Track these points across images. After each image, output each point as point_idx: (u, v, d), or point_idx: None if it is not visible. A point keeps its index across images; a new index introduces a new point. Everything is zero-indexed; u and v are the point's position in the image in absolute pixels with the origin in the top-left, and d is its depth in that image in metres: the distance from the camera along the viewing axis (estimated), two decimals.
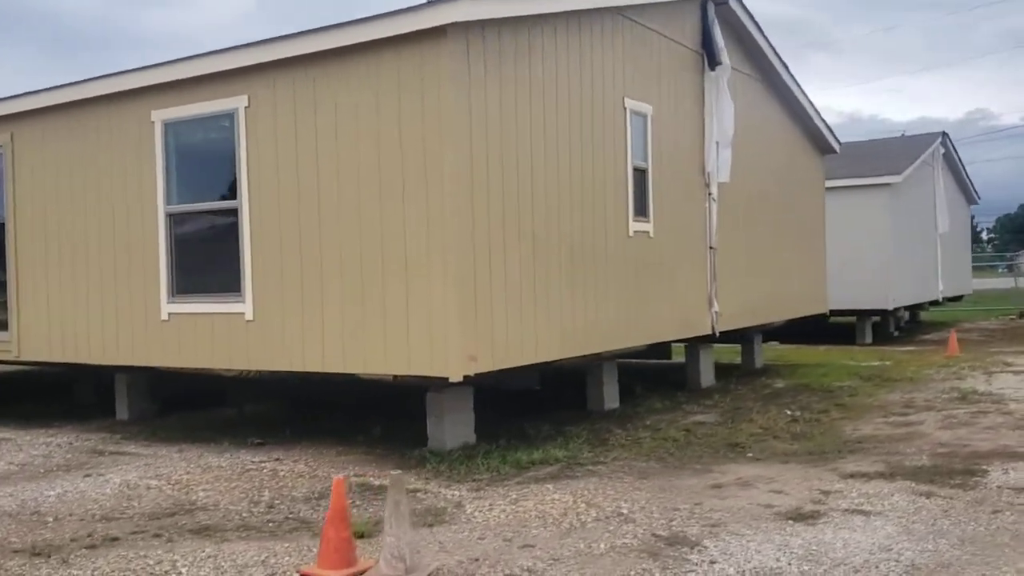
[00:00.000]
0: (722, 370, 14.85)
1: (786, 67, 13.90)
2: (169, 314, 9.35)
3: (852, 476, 7.40)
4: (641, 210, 10.35)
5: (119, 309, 9.75)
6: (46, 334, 10.52)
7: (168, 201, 9.33)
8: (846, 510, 6.38)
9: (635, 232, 10.17)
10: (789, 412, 10.75)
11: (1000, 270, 66.09)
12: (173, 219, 9.34)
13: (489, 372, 7.99)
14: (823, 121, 15.68)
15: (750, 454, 8.50)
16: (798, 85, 14.43)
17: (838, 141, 16.49)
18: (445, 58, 7.48)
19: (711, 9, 11.79)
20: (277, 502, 7.07)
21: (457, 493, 7.16)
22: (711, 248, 11.96)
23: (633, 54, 10.22)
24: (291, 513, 6.75)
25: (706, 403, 11.59)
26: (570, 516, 6.43)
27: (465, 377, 7.70)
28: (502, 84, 8.09)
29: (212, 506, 6.98)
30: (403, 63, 7.72)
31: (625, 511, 6.53)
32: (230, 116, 8.78)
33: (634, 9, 10.14)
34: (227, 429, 10.13)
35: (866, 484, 7.11)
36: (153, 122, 9.38)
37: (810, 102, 14.96)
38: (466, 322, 7.58)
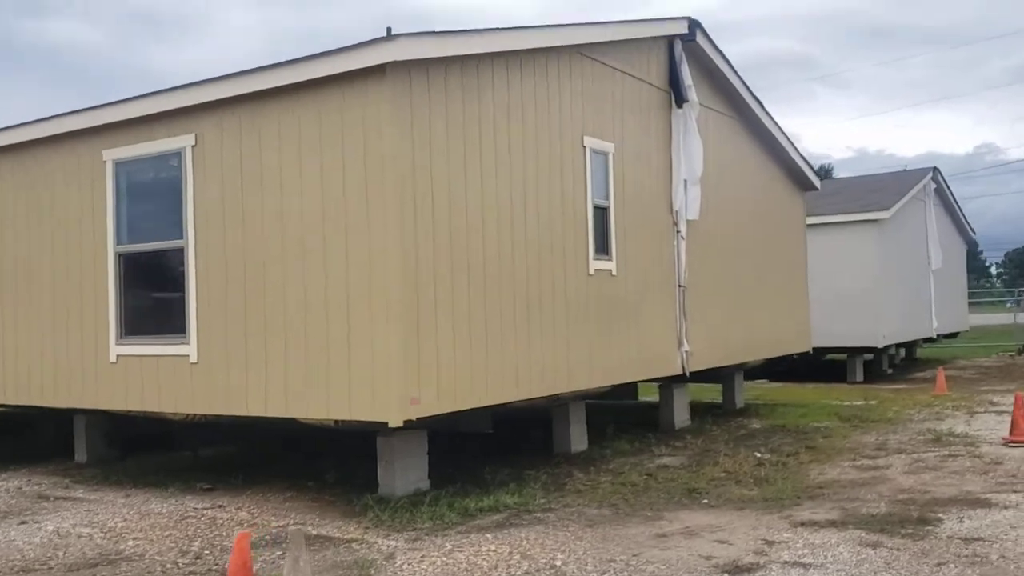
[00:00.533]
0: (700, 409, 14.62)
1: (760, 104, 13.81)
2: (118, 356, 9.20)
3: (803, 524, 7.16)
4: (603, 248, 10.19)
5: (70, 350, 9.61)
6: (1, 374, 10.37)
7: (118, 241, 9.22)
8: (786, 562, 6.14)
9: (596, 271, 10.01)
10: (758, 455, 10.50)
11: (1008, 305, 65.64)
12: (123, 259, 9.22)
13: (435, 416, 7.79)
14: (802, 158, 15.56)
15: (706, 500, 8.26)
16: (774, 122, 14.32)
17: (819, 177, 16.36)
18: (385, 97, 7.38)
19: (678, 47, 11.72)
20: (206, 552, 6.86)
21: (393, 544, 6.94)
22: (680, 287, 11.78)
23: (593, 92, 10.13)
24: (216, 564, 6.54)
25: (676, 445, 11.35)
26: (500, 569, 6.21)
27: (407, 422, 7.51)
28: (449, 122, 7.98)
29: (138, 556, 6.78)
30: (346, 102, 7.62)
31: (559, 563, 6.30)
32: (178, 155, 8.69)
33: (593, 47, 10.06)
34: (181, 473, 9.94)
35: (815, 533, 6.87)
36: (104, 161, 9.30)
37: (788, 139, 14.85)
38: (407, 364, 7.40)
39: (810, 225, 18.95)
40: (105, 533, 7.47)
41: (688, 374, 11.94)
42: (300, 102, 7.89)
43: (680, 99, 11.69)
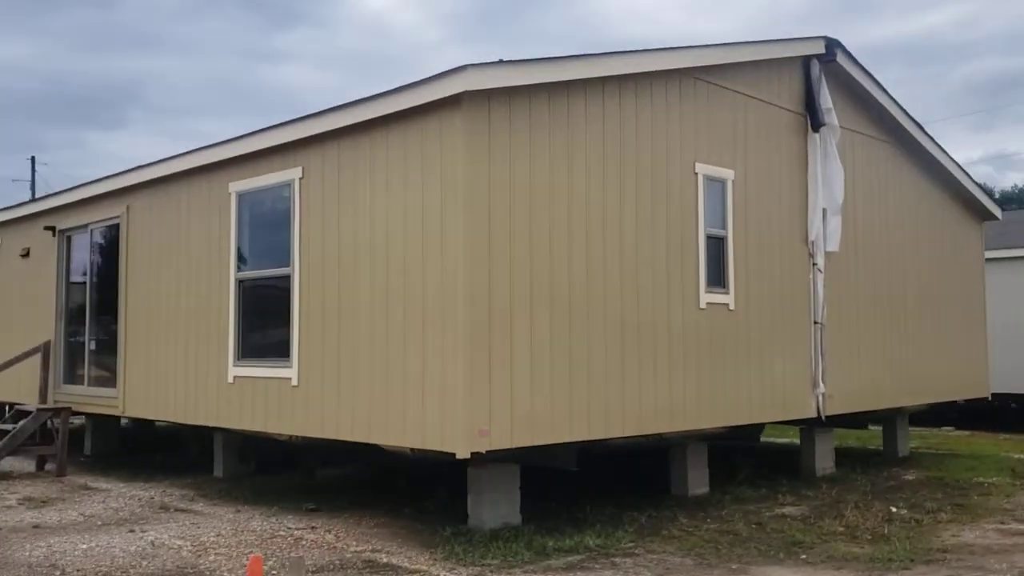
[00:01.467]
0: (854, 456, 13.56)
1: (920, 127, 12.74)
2: (234, 377, 9.67)
3: None
4: (717, 280, 9.68)
5: (198, 371, 10.20)
6: (143, 393, 11.18)
7: (238, 268, 9.72)
8: None
9: (709, 304, 9.52)
10: (894, 509, 9.57)
11: None
12: (242, 285, 9.71)
13: (509, 449, 7.63)
14: (976, 184, 14.22)
15: (804, 556, 7.59)
16: (938, 146, 13.18)
17: (999, 206, 14.86)
18: (458, 128, 7.37)
19: (815, 68, 11.03)
20: (273, 572, 7.01)
21: None
22: (816, 323, 10.99)
23: (710, 117, 9.69)
24: None
25: (806, 494, 10.54)
26: None
27: (489, 452, 7.40)
28: (533, 150, 7.87)
29: (210, 571, 7.03)
30: (425, 133, 7.69)
31: None
32: (288, 186, 9.07)
33: (710, 71, 9.65)
34: (297, 493, 10.28)
35: None
36: (230, 193, 9.86)
37: (957, 165, 13.62)
38: (475, 395, 7.29)
39: (1000, 259, 17.31)
40: (195, 546, 7.81)
41: (824, 418, 11.09)
42: (389, 134, 8.03)
43: (816, 123, 10.97)
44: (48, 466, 12.50)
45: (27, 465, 12.73)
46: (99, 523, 8.88)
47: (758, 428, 12.13)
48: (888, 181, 12.53)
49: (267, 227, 9.43)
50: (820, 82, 11.14)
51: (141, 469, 12.23)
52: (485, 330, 7.41)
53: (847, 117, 11.69)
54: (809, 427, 11.91)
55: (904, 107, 12.40)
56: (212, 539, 8.08)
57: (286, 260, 9.07)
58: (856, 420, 12.37)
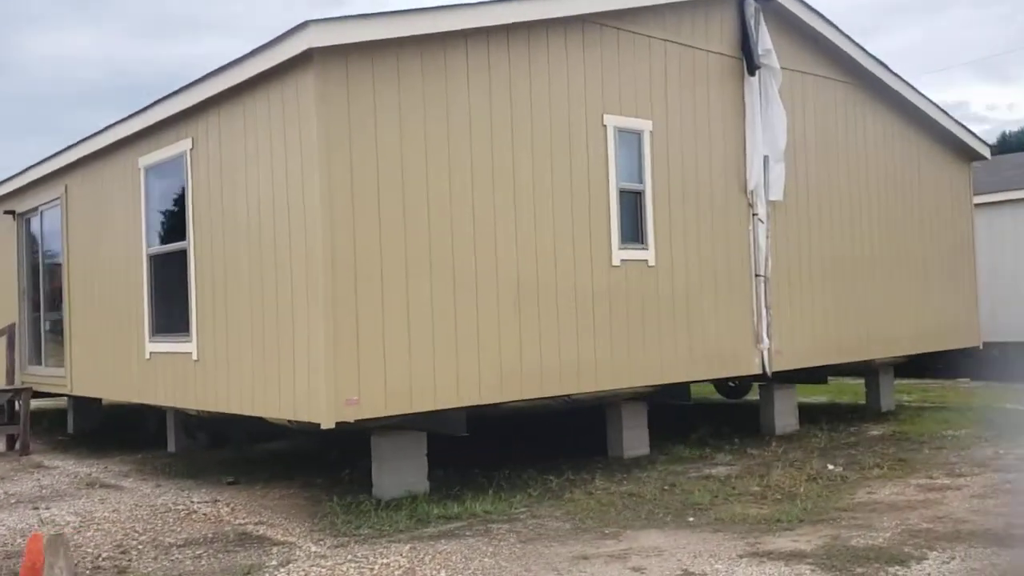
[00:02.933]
0: (833, 413, 13.07)
1: (884, 66, 12.04)
2: (150, 353, 9.65)
3: (756, 555, 6.09)
4: (634, 236, 9.30)
5: (124, 348, 10.22)
6: (86, 372, 11.27)
7: (149, 244, 9.66)
8: None
9: (624, 261, 9.15)
10: (831, 467, 9.16)
11: None
12: (153, 261, 9.66)
13: (383, 418, 7.44)
14: (959, 124, 13.43)
15: (692, 519, 7.27)
16: (909, 86, 12.45)
17: (987, 145, 14.04)
18: (310, 85, 7.12)
19: (749, 7, 10.45)
20: (138, 548, 6.96)
21: (315, 549, 6.69)
22: (758, 276, 10.52)
23: (620, 66, 9.25)
24: (124, 562, 6.61)
25: (752, 452, 10.16)
26: None
27: (356, 421, 7.23)
28: (403, 109, 7.57)
29: (75, 546, 7.01)
30: (284, 97, 7.46)
31: None
32: (181, 158, 8.94)
33: (619, 16, 9.19)
34: (229, 467, 10.26)
35: (754, 566, 5.80)
36: (139, 168, 9.79)
37: (934, 104, 12.86)
38: (340, 363, 7.10)
39: (1001, 202, 16.47)
40: (82, 522, 7.81)
41: (771, 374, 10.65)
42: (255, 100, 7.83)
43: (752, 66, 10.43)
44: (18, 445, 12.75)
45: None
46: (14, 501, 8.96)
47: (685, 387, 11.67)
48: (848, 124, 11.90)
49: (169, 201, 9.33)
50: (757, 23, 10.58)
51: (107, 446, 12.36)
52: (351, 297, 7.19)
53: (795, 58, 11.11)
54: (768, 384, 11.49)
55: (862, 45, 11.72)
56: (105, 515, 8.08)
57: (183, 234, 8.97)
58: (813, 375, 11.88)
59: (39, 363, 12.95)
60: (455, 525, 7.26)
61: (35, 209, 12.65)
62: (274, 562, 6.39)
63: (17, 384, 13.01)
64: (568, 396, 8.77)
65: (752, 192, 10.49)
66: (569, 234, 8.71)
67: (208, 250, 8.56)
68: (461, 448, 9.79)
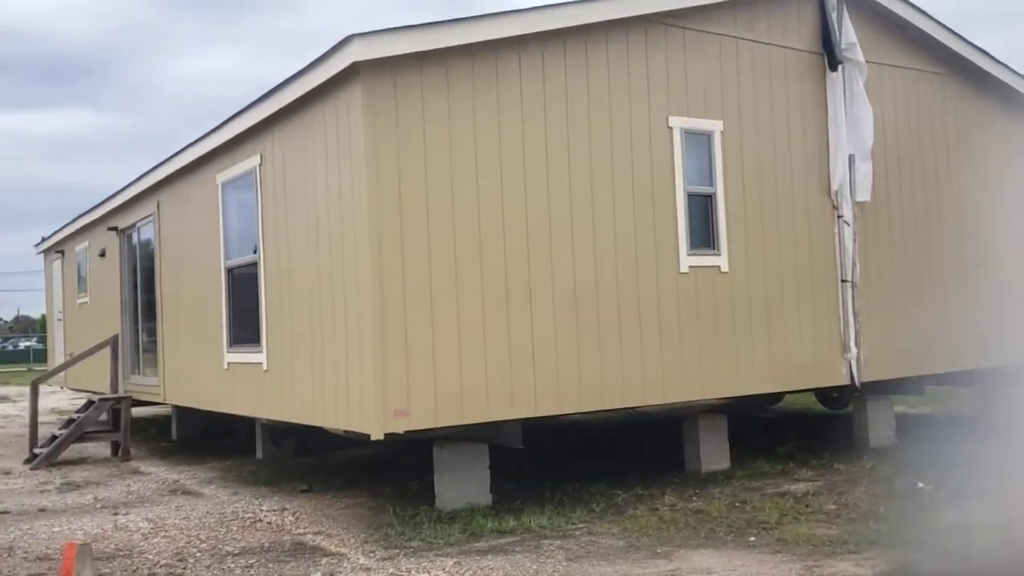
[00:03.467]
0: (933, 424, 12.30)
1: (984, 53, 11.27)
2: (228, 363, 9.91)
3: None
4: (705, 242, 8.97)
5: (204, 358, 10.53)
6: (176, 382, 11.68)
7: (226, 257, 9.93)
8: None
9: (693, 267, 8.83)
10: (921, 484, 8.58)
11: None
12: (231, 274, 9.92)
13: (438, 428, 7.40)
14: None
15: (753, 538, 6.93)
16: (1017, 73, 11.61)
17: None
18: (358, 101, 7.15)
19: (830, 2, 9.95)
20: (196, 556, 7.12)
21: (363, 561, 6.70)
22: (844, 281, 9.98)
23: (687, 66, 8.95)
24: (180, 570, 6.76)
25: (838, 467, 9.64)
26: None
27: (407, 432, 7.21)
28: (452, 118, 7.52)
29: (138, 552, 7.23)
30: (337, 110, 7.52)
31: None
32: (252, 173, 9.15)
33: (685, 15, 8.90)
34: (310, 474, 10.42)
35: None
36: (217, 184, 10.08)
37: None
38: (389, 376, 7.08)
39: None
40: (152, 528, 8.07)
41: (859, 384, 10.09)
42: (312, 115, 7.93)
43: (834, 62, 9.92)
44: (120, 451, 13.33)
45: (104, 450, 13.62)
46: (99, 506, 9.35)
47: (775, 397, 11.17)
48: (946, 118, 11.18)
49: (244, 216, 9.56)
50: (840, 15, 10.06)
51: (203, 453, 12.78)
52: (400, 308, 7.18)
53: (882, 51, 10.52)
54: (860, 395, 10.91)
55: (957, 32, 10.99)
56: (175, 522, 8.31)
57: (254, 248, 9.17)
58: (908, 386, 11.18)
59: (138, 372, 13.51)
60: (507, 540, 7.14)
61: (133, 225, 13.23)
62: (318, 574, 6.41)
63: (120, 393, 13.63)
64: (632, 409, 8.52)
65: (836, 193, 9.98)
66: (632, 241, 8.47)
67: (275, 264, 8.72)
68: (533, 461, 9.67)
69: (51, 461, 12.58)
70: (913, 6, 10.61)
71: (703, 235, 8.97)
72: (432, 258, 7.35)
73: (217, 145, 9.79)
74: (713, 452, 9.76)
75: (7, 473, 11.96)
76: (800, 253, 9.67)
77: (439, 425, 7.35)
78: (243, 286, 9.59)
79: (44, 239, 19.23)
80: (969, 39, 11.08)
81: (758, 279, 9.30)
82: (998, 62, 11.39)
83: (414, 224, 7.28)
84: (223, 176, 9.93)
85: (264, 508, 8.78)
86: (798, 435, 11.18)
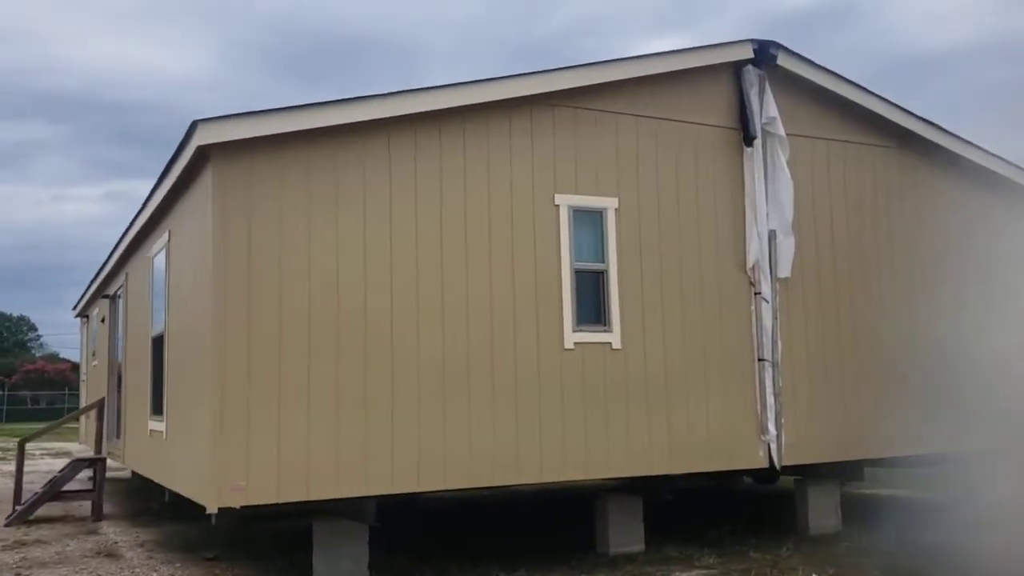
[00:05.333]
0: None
1: (934, 126, 10.88)
2: (150, 430, 10.25)
3: None
4: (594, 318, 8.88)
5: (137, 423, 10.91)
6: (128, 444, 12.11)
7: (153, 328, 10.35)
8: None
9: (579, 344, 8.75)
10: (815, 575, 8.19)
11: None
12: (153, 343, 10.31)
13: (278, 504, 7.47)
14: None
15: None
16: (975, 146, 11.17)
17: None
18: (209, 180, 7.47)
19: (749, 75, 9.86)
20: None
21: None
22: (763, 360, 9.68)
23: (577, 145, 8.97)
24: None
25: (751, 555, 9.24)
26: None
27: (244, 508, 7.32)
28: (311, 196, 7.75)
29: None
30: (201, 192, 7.85)
31: None
32: (164, 249, 9.58)
33: (569, 95, 8.96)
34: (233, 543, 10.57)
35: None
36: (150, 258, 10.55)
37: (1008, 163, 11.44)
38: (227, 448, 7.22)
39: None
40: None
41: (779, 467, 9.70)
42: (190, 193, 8.30)
43: (749, 137, 9.79)
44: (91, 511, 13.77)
45: (87, 510, 14.10)
46: (16, 565, 9.70)
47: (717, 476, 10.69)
48: (890, 189, 10.82)
49: (160, 288, 9.97)
50: (760, 90, 9.96)
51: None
52: (243, 382, 7.35)
53: (816, 124, 10.32)
54: (804, 476, 10.48)
55: (902, 105, 10.70)
56: None
57: (163, 321, 9.55)
58: (848, 470, 10.64)
59: (117, 436, 14.04)
60: None
61: (116, 293, 13.90)
62: None
63: (103, 454, 14.16)
64: (508, 487, 8.42)
65: (753, 269, 9.75)
66: (510, 315, 8.46)
67: (175, 334, 9.07)
68: (433, 535, 9.61)
69: (23, 519, 13.10)
70: (850, 83, 10.38)
71: (593, 311, 8.89)
72: (283, 332, 7.52)
73: (145, 220, 10.28)
74: (624, 533, 9.52)
75: None
76: (709, 330, 9.45)
77: (281, 501, 7.43)
78: (159, 355, 9.96)
79: (76, 304, 20.32)
80: (913, 112, 10.76)
81: (657, 356, 9.13)
82: (948, 133, 11.00)
83: (264, 299, 7.48)
84: (152, 250, 10.41)
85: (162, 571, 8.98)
86: (744, 517, 10.79)
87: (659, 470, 9.13)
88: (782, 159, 9.93)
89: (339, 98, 7.78)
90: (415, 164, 8.23)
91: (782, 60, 9.95)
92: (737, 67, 9.90)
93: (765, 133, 9.93)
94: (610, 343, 8.92)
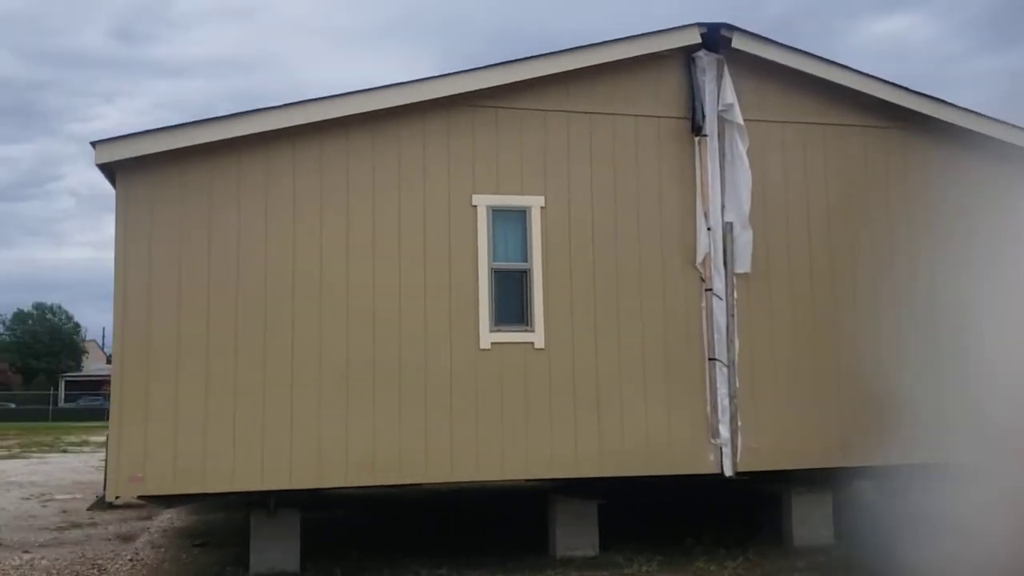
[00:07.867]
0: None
1: (937, 100, 9.88)
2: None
3: None
4: (515, 318, 8.81)
5: None
6: None
7: None
8: None
9: (495, 344, 8.72)
10: None
11: None
12: None
13: (176, 495, 7.99)
14: None
15: None
16: (980, 115, 10.04)
17: None
18: (119, 195, 8.11)
19: (700, 61, 9.40)
20: None
21: None
22: (714, 360, 9.21)
23: (499, 144, 8.93)
24: None
25: (708, 568, 8.81)
26: None
27: (143, 498, 7.90)
28: (212, 205, 8.23)
29: None
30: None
31: None
32: None
33: (490, 94, 8.92)
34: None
35: None
36: None
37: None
38: (128, 441, 7.81)
39: None
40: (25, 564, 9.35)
41: (734, 474, 9.18)
42: None
43: (696, 126, 9.35)
44: None
45: None
46: (53, 544, 10.77)
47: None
48: (882, 176, 9.96)
49: None
50: (717, 76, 9.49)
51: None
52: (142, 376, 7.92)
53: (792, 108, 9.70)
54: (789, 484, 9.87)
55: (893, 80, 9.81)
56: (47, 563, 9.53)
57: None
58: (839, 477, 9.79)
59: None
60: None
61: None
62: None
63: None
64: (418, 485, 8.54)
65: (703, 264, 9.30)
66: (420, 316, 8.57)
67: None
68: (390, 534, 9.81)
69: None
70: (825, 60, 9.67)
71: (515, 311, 8.83)
72: (181, 331, 8.04)
73: None
74: (575, 536, 9.37)
75: (64, 512, 14.03)
76: (649, 329, 9.11)
77: (176, 492, 7.94)
78: None
79: None
80: (900, 84, 9.84)
81: (587, 357, 8.92)
82: (951, 106, 9.94)
83: (163, 300, 8.02)
84: None
85: (140, 556, 9.77)
86: (738, 524, 10.30)
87: (587, 473, 8.91)
88: (741, 148, 9.40)
89: (237, 111, 8.22)
90: (320, 176, 8.52)
91: (739, 42, 9.42)
92: (689, 53, 9.47)
93: (722, 121, 9.45)
94: (532, 343, 8.82)
